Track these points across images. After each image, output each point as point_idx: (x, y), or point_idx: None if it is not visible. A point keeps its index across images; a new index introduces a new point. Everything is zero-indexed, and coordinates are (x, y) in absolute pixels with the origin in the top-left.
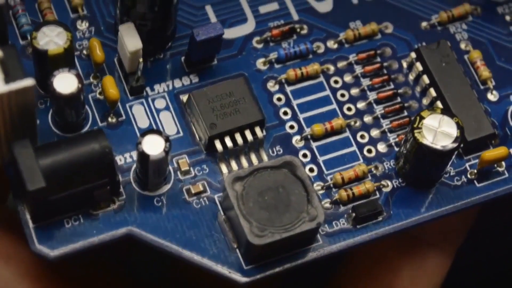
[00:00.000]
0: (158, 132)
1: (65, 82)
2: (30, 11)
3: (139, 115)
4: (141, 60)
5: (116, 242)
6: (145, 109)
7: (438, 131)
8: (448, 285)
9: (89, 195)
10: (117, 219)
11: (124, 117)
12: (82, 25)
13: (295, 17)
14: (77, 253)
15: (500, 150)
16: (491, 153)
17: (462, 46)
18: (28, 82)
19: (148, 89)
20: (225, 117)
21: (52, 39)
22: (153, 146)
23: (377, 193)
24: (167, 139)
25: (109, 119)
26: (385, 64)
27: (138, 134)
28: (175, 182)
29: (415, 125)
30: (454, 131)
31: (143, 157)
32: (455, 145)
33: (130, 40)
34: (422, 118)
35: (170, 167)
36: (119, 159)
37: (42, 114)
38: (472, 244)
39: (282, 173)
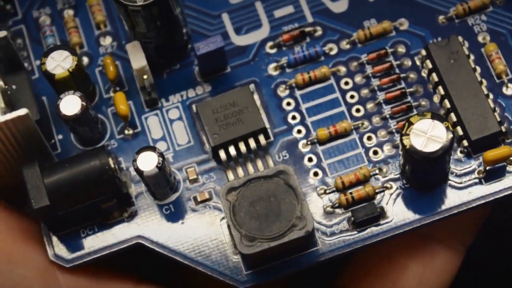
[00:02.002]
0: (152, 148)
1: (70, 104)
2: (59, 29)
3: (154, 126)
4: (145, 77)
5: (127, 250)
6: (159, 120)
7: (428, 136)
8: (458, 283)
9: (97, 208)
10: (128, 228)
11: (139, 128)
12: (105, 41)
13: (310, 19)
14: (90, 261)
15: (503, 149)
16: (493, 153)
17: (480, 38)
18: (22, 111)
19: (163, 100)
20: (227, 127)
21: (59, 63)
22: (147, 162)
23: (380, 195)
24: (160, 155)
25: (126, 132)
26: (397, 62)
27: (152, 144)
28: (184, 191)
29: (404, 131)
30: (444, 136)
31: (138, 172)
32: (442, 150)
33: (135, 58)
34: (411, 124)
35: (180, 176)
36: (133, 170)
37: (64, 130)
38: (484, 242)
39: (274, 183)
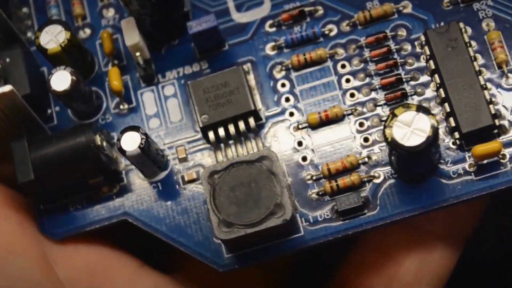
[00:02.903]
0: (136, 128)
1: (61, 80)
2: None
3: (149, 102)
4: (138, 54)
5: (114, 225)
6: (154, 96)
7: (412, 129)
8: (456, 278)
9: (85, 184)
10: (115, 204)
11: (134, 104)
12: (108, 13)
13: None
14: (78, 234)
15: (493, 144)
16: (482, 148)
17: (484, 25)
18: (6, 88)
19: (160, 76)
20: (217, 107)
21: (53, 38)
22: (130, 142)
23: (367, 184)
24: (144, 135)
25: (121, 107)
26: (396, 47)
27: (145, 121)
28: (173, 169)
29: (387, 123)
30: (427, 130)
31: (121, 152)
32: (425, 145)
33: (128, 35)
34: (394, 115)
35: (170, 154)
36: None
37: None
38: (482, 236)
39: (257, 168)
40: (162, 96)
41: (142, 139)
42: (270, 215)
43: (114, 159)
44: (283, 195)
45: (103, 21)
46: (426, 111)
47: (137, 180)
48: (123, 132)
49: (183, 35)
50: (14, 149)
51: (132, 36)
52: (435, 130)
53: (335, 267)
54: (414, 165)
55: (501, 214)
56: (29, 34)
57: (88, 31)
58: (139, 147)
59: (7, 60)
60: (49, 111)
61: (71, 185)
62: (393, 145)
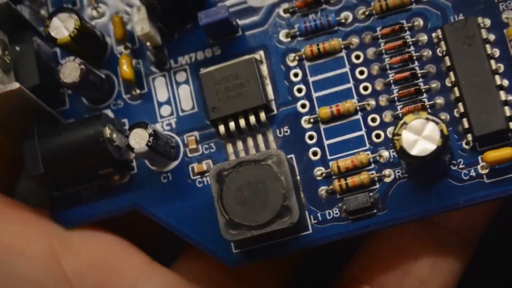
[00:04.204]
0: (144, 125)
1: (70, 71)
2: None
3: (160, 88)
4: (148, 44)
5: (124, 214)
6: (166, 82)
7: (421, 137)
8: (471, 273)
9: (95, 174)
10: (126, 193)
11: (146, 90)
12: None
13: None
14: (88, 221)
15: (506, 151)
16: (494, 154)
17: (504, 17)
18: (14, 85)
19: (172, 61)
20: (228, 100)
21: (62, 27)
22: (138, 139)
23: (377, 183)
24: (152, 133)
25: (133, 92)
26: (412, 39)
27: (156, 108)
28: (183, 159)
29: (395, 131)
30: (437, 139)
31: (129, 149)
32: (434, 155)
33: (139, 24)
34: (404, 123)
35: (181, 143)
36: None
37: None
38: (497, 232)
39: (265, 168)
40: (174, 82)
41: (150, 136)
42: (277, 218)
43: (125, 148)
44: (291, 197)
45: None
46: (437, 119)
47: (147, 169)
48: (131, 128)
49: (196, 18)
50: (24, 142)
51: (142, 25)
52: (445, 139)
53: (345, 261)
54: (424, 170)
55: None
56: (43, 12)
57: (101, 10)
58: (147, 144)
59: (17, 48)
60: (61, 90)
61: (82, 175)
62: (402, 154)
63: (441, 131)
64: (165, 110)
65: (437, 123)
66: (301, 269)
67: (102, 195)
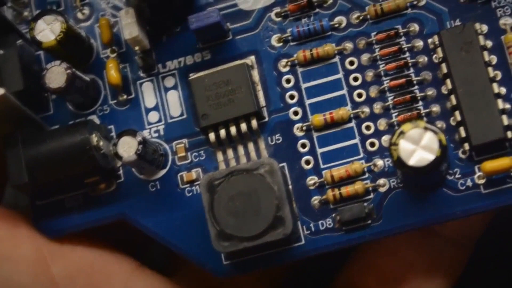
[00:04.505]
0: (133, 133)
1: (55, 76)
2: None
3: (148, 94)
4: (137, 48)
5: (110, 223)
6: (154, 87)
7: (419, 146)
8: (466, 279)
9: (81, 182)
10: (113, 202)
11: (133, 95)
12: None
13: None
14: (73, 231)
15: (504, 161)
16: (492, 164)
17: (501, 23)
18: None
19: (160, 65)
20: (218, 107)
21: (47, 30)
22: (127, 147)
23: (371, 193)
24: (141, 141)
25: (119, 97)
26: (408, 45)
27: (144, 114)
28: (172, 167)
29: (392, 141)
30: (435, 149)
31: (117, 158)
32: (432, 166)
33: (127, 28)
34: (402, 133)
35: (169, 151)
36: None
37: None
38: (492, 238)
39: (257, 178)
40: (162, 87)
41: (139, 144)
42: (270, 229)
43: (112, 156)
44: (284, 208)
45: (103, 2)
46: (435, 128)
47: (134, 178)
48: (119, 136)
49: (185, 21)
50: (7, 150)
51: (130, 29)
52: (443, 149)
53: (339, 268)
54: (421, 180)
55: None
56: (26, 13)
57: (86, 12)
58: (136, 153)
59: (1, 52)
60: (45, 95)
61: (67, 184)
62: (399, 165)
63: (440, 141)
64: (153, 116)
65: (435, 132)
66: (294, 277)
67: (88, 204)
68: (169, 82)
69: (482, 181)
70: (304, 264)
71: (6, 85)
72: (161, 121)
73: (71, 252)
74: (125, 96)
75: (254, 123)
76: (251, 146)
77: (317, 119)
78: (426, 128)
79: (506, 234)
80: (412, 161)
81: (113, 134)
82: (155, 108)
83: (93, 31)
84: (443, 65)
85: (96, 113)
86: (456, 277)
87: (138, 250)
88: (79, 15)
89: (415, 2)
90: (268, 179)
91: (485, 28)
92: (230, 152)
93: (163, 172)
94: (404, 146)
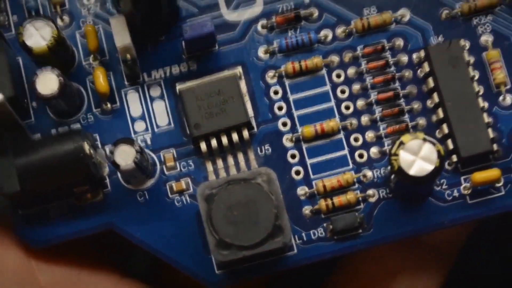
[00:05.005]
0: (130, 141)
1: (47, 82)
2: None
3: (133, 103)
4: (129, 56)
5: (98, 233)
6: (139, 97)
7: (418, 157)
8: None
9: (70, 191)
10: (100, 212)
11: (118, 104)
12: (89, 1)
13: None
14: (59, 242)
15: (493, 172)
16: (482, 175)
17: (482, 40)
18: None
19: (145, 74)
20: (210, 117)
21: (37, 35)
22: (124, 156)
23: (362, 203)
24: (138, 150)
25: (104, 106)
26: (393, 59)
27: (130, 123)
28: (160, 177)
29: (393, 151)
30: (434, 159)
31: (114, 166)
32: (432, 175)
33: (119, 35)
34: (401, 143)
35: (157, 160)
36: (108, 148)
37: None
38: (474, 246)
39: (255, 187)
40: (148, 97)
41: (137, 152)
42: (269, 238)
43: (99, 165)
44: (283, 217)
45: (83, 10)
46: (433, 141)
47: (122, 187)
48: (116, 144)
49: (170, 31)
50: None
51: (122, 37)
52: (442, 159)
53: (325, 276)
54: (416, 190)
55: (494, 222)
56: (1, 18)
57: (66, 19)
58: (134, 161)
59: None
60: (25, 101)
61: (55, 192)
62: (400, 174)
63: (438, 151)
64: (139, 125)
65: (434, 144)
66: (281, 286)
67: (74, 214)
68: (155, 91)
69: (467, 192)
70: (290, 273)
71: None
72: (148, 130)
73: (58, 261)
74: (109, 105)
75: (245, 133)
76: (240, 156)
77: (308, 130)
78: (425, 140)
79: (488, 242)
80: (412, 171)
81: (98, 142)
82: (141, 117)
83: (74, 39)
84: (430, 79)
85: (80, 121)
86: (441, 285)
87: (120, 259)
88: (59, 22)
89: (399, 18)
90: (266, 188)
91: (468, 44)
92: (219, 162)
93: (151, 182)
94: (404, 157)
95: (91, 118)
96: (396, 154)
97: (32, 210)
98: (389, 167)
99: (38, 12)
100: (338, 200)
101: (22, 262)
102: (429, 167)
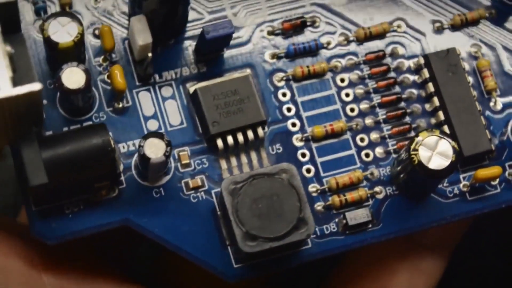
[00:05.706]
0: (160, 135)
1: (73, 77)
2: None
3: (145, 103)
4: (150, 54)
5: (113, 230)
6: (151, 96)
7: (434, 153)
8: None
9: (90, 186)
10: (115, 207)
11: (130, 103)
12: (98, 3)
13: (310, 8)
14: (74, 238)
15: (495, 169)
16: (485, 172)
17: (472, 50)
18: (35, 86)
19: (156, 75)
20: (228, 115)
21: (63, 31)
22: (154, 149)
23: (370, 200)
24: (168, 143)
25: (116, 105)
26: (394, 64)
27: (143, 122)
28: (175, 174)
29: (412, 147)
30: (450, 155)
31: (143, 159)
32: (449, 168)
33: (141, 34)
34: (420, 140)
35: (171, 159)
36: (122, 147)
37: (49, 95)
38: (467, 246)
39: (278, 181)
40: (160, 97)
41: (167, 146)
42: (294, 230)
43: (118, 161)
44: (306, 210)
45: (91, 11)
46: (448, 137)
47: (136, 184)
48: (145, 138)
49: (180, 35)
50: (23, 149)
51: (144, 35)
52: (457, 155)
53: (327, 273)
54: (427, 186)
55: (487, 223)
56: None
57: None
58: (164, 154)
59: (12, 50)
60: None
61: (77, 186)
62: (420, 168)
63: (453, 147)
64: (152, 124)
65: (450, 139)
66: (278, 285)
67: (89, 210)
68: (167, 91)
69: (466, 189)
70: (290, 273)
71: (23, 84)
72: (161, 129)
73: (63, 262)
74: (121, 104)
75: (260, 131)
76: (253, 154)
77: (318, 130)
78: (441, 136)
79: (482, 242)
80: (432, 165)
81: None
82: (154, 116)
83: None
84: (430, 84)
85: (92, 119)
86: (435, 285)
87: (121, 262)
88: None
89: (396, 28)
90: (289, 183)
91: (462, 53)
92: (233, 160)
93: (166, 178)
94: (422, 153)
95: (103, 116)
96: (416, 150)
97: (48, 206)
98: (395, 164)
99: (46, 12)
100: (351, 196)
101: (28, 264)
102: (445, 162)
